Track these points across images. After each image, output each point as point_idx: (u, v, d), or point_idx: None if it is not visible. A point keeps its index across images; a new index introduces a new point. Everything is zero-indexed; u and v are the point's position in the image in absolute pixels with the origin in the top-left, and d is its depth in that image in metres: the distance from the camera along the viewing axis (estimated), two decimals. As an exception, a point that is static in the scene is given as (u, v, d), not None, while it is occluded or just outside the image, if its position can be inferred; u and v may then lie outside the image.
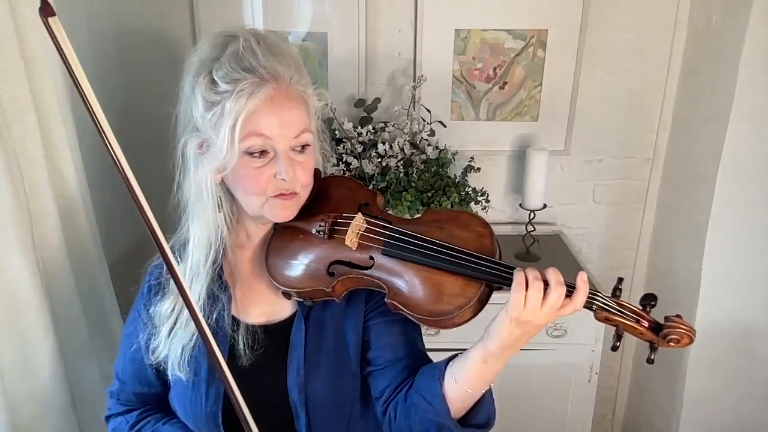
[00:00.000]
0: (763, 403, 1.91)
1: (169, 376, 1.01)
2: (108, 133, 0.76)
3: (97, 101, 0.75)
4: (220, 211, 0.96)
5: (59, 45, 0.72)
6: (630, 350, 2.26)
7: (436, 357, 1.05)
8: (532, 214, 1.94)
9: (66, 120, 1.33)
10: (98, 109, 0.75)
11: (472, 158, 1.91)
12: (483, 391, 0.90)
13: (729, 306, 1.82)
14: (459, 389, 0.88)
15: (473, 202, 1.82)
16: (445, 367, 0.91)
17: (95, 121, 0.76)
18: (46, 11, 0.71)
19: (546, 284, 0.82)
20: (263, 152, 0.90)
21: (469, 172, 1.88)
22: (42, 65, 1.25)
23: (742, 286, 1.80)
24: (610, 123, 2.01)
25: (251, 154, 0.89)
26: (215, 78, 0.87)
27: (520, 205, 1.97)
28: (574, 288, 0.83)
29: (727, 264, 1.78)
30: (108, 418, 1.12)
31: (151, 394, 1.09)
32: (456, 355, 0.92)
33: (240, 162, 0.89)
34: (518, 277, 0.83)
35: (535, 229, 1.93)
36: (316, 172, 1.00)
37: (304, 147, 0.93)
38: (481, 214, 1.83)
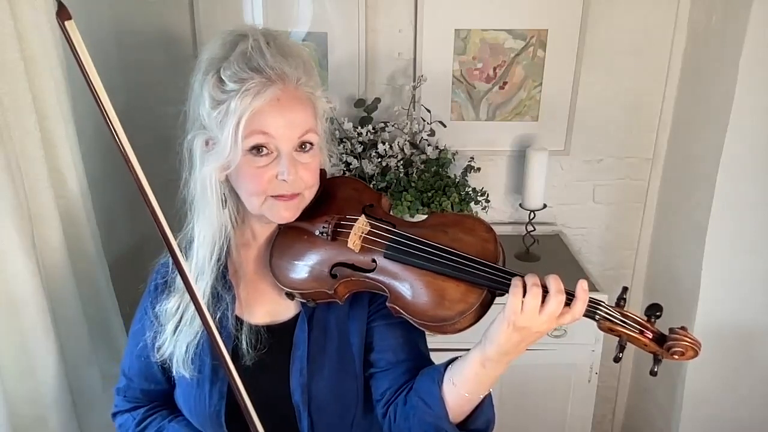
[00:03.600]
0: (763, 403, 1.91)
1: (174, 374, 1.02)
2: (121, 136, 0.77)
3: (110, 104, 0.76)
4: (224, 209, 0.96)
5: (75, 48, 0.73)
6: (630, 350, 2.26)
7: (437, 356, 1.04)
8: (532, 214, 1.94)
9: (66, 120, 1.33)
10: (112, 111, 0.76)
11: (472, 158, 1.91)
12: (482, 396, 0.89)
13: (729, 306, 1.82)
14: (457, 393, 0.88)
15: (473, 202, 1.82)
16: (444, 370, 0.90)
17: (108, 122, 0.76)
18: (62, 15, 0.71)
19: (546, 291, 0.81)
20: (267, 151, 0.90)
21: (469, 172, 1.88)
22: (42, 65, 1.25)
23: (742, 286, 1.80)
24: (610, 123, 2.01)
25: (255, 152, 0.89)
26: (223, 77, 0.87)
27: (520, 205, 1.97)
28: (573, 296, 0.81)
29: (727, 264, 1.78)
30: (115, 414, 1.13)
31: (158, 392, 1.10)
32: (456, 358, 0.91)
33: (243, 160, 0.89)
34: (516, 281, 0.82)
35: (535, 229, 1.93)
36: (322, 173, 1.00)
37: (308, 147, 0.93)
38: (481, 214, 1.83)
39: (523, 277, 0.83)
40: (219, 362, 0.88)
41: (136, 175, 0.78)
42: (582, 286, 0.81)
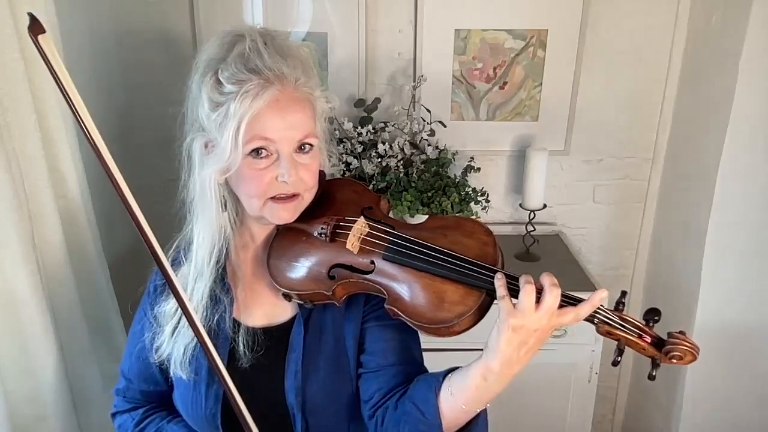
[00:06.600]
0: (763, 403, 1.91)
1: (172, 375, 1.02)
2: (102, 149, 0.76)
3: (90, 118, 0.74)
4: (224, 212, 0.96)
5: (50, 63, 0.69)
6: (630, 350, 2.26)
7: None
8: (532, 214, 1.94)
9: (66, 120, 1.33)
10: (92, 125, 0.74)
11: (472, 158, 1.91)
12: (478, 411, 0.88)
13: (729, 306, 1.82)
14: (454, 403, 0.86)
15: (473, 202, 1.82)
16: (443, 379, 0.89)
17: (88, 136, 0.75)
18: (35, 29, 0.68)
19: (541, 288, 0.80)
20: (266, 153, 0.90)
21: (469, 172, 1.88)
22: (42, 65, 1.24)
23: (742, 286, 1.80)
24: (610, 123, 2.01)
25: (254, 155, 0.89)
26: (221, 78, 0.87)
27: (520, 205, 1.97)
28: (578, 300, 0.81)
29: (727, 264, 1.78)
30: (114, 415, 1.13)
31: (157, 393, 1.10)
32: (456, 367, 0.90)
33: (243, 163, 0.89)
34: (500, 284, 0.82)
35: (535, 229, 1.93)
36: (321, 175, 1.00)
37: (307, 149, 0.93)
38: (481, 214, 1.83)
39: (503, 276, 0.83)
40: (212, 367, 0.88)
41: (121, 190, 0.77)
42: (600, 294, 0.81)
